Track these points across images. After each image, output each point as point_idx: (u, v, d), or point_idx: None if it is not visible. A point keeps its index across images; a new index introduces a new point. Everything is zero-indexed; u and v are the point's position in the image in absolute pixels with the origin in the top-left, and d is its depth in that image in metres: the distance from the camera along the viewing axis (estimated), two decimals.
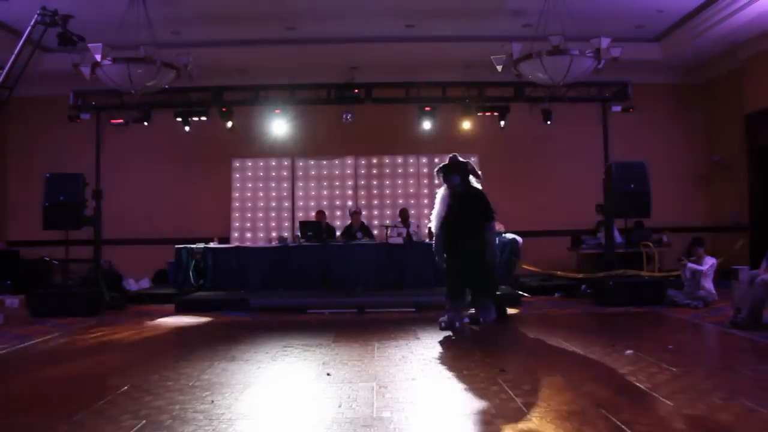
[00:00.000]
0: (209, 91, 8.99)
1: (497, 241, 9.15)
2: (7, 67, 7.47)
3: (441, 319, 6.29)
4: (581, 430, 3.12)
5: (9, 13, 8.64)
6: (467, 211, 6.17)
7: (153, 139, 10.84)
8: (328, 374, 4.37)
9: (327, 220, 10.38)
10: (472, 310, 6.47)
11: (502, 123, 9.42)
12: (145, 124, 9.21)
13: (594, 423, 3.20)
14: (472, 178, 6.33)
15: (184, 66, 7.19)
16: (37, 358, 5.29)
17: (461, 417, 3.38)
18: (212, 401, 3.72)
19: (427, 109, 9.38)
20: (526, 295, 8.72)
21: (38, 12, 7.27)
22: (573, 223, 10.93)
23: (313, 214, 10.65)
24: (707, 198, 11.53)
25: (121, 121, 9.19)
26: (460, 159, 6.35)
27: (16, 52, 7.41)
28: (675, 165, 11.31)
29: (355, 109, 9.98)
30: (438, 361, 4.80)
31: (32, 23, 7.32)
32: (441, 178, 6.38)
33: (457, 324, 6.15)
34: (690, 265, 7.65)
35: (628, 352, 4.92)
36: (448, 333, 5.97)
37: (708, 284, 7.59)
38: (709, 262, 7.69)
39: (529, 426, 3.20)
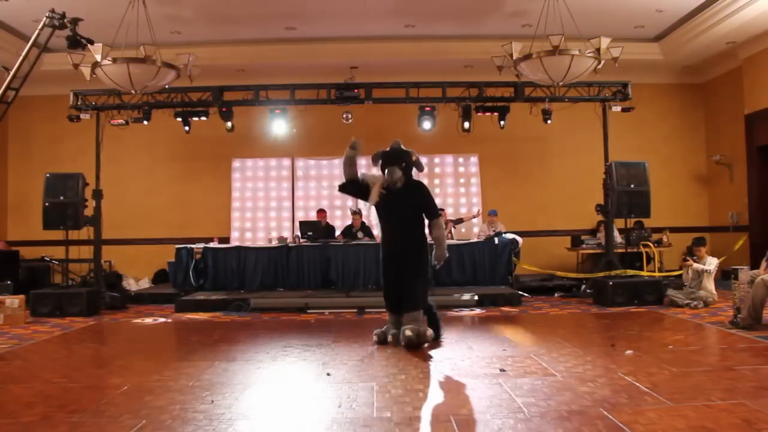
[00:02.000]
0: (209, 91, 8.99)
1: (497, 241, 9.19)
2: (13, 70, 7.45)
3: (376, 330, 5.58)
4: (581, 430, 3.12)
5: (9, 13, 8.63)
6: (405, 207, 5.47)
7: (153, 139, 10.86)
8: (328, 374, 4.37)
9: (327, 220, 10.40)
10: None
11: (502, 123, 9.42)
12: (145, 123, 9.22)
13: (594, 423, 3.20)
14: (414, 171, 5.65)
15: (184, 66, 7.19)
16: (37, 358, 5.29)
17: (461, 417, 3.38)
18: (212, 401, 3.72)
19: (427, 109, 9.38)
20: (526, 295, 8.73)
21: (46, 15, 7.24)
22: (573, 223, 10.95)
23: (314, 214, 10.67)
24: (707, 198, 11.53)
25: (121, 121, 9.20)
26: (403, 147, 5.63)
27: (23, 54, 7.38)
28: (675, 165, 11.32)
29: (355, 109, 10.00)
30: (438, 361, 4.80)
31: (40, 26, 7.29)
32: (378, 167, 5.58)
33: (389, 338, 5.40)
34: (696, 265, 7.63)
35: (628, 352, 4.92)
36: (447, 333, 5.94)
37: (710, 285, 7.58)
38: (713, 263, 7.69)
39: (530, 426, 3.20)
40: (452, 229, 10.09)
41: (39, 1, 8.20)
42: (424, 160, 11.12)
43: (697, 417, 3.26)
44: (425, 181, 11.02)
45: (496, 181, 11.32)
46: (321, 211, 10.42)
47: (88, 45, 7.05)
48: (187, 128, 9.51)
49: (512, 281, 9.11)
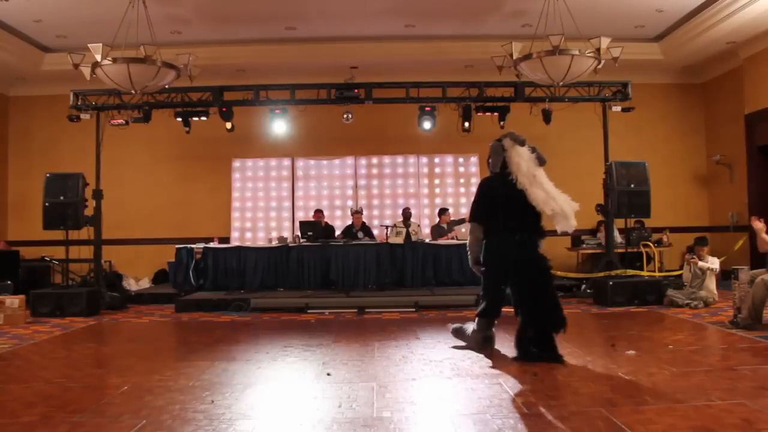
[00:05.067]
0: (209, 91, 8.99)
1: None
2: None
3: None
4: (581, 430, 3.12)
5: (9, 13, 8.64)
6: None
7: (153, 139, 10.86)
8: (328, 374, 4.37)
9: (326, 220, 10.39)
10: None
11: (502, 123, 9.41)
12: (145, 124, 9.21)
13: (594, 423, 3.20)
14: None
15: (184, 66, 7.19)
16: (37, 358, 5.29)
17: (461, 417, 3.38)
18: (212, 401, 3.72)
19: (428, 109, 9.39)
20: None
21: None
22: None
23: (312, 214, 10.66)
24: (707, 198, 11.53)
25: (121, 121, 9.19)
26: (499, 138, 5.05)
27: None
28: (675, 165, 11.32)
29: (355, 109, 10.00)
30: (438, 361, 4.79)
31: None
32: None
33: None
34: (702, 263, 7.63)
35: (630, 352, 4.92)
36: (447, 333, 5.90)
37: (712, 285, 7.58)
38: (715, 262, 7.69)
39: (530, 426, 3.20)
40: (454, 229, 10.09)
41: (39, 1, 8.22)
42: (423, 159, 11.40)
43: (697, 417, 3.26)
44: (431, 180, 11.21)
45: None
46: (317, 212, 10.38)
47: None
48: (187, 128, 9.51)
49: None
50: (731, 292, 6.38)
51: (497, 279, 4.91)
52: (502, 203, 4.86)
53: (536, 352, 4.71)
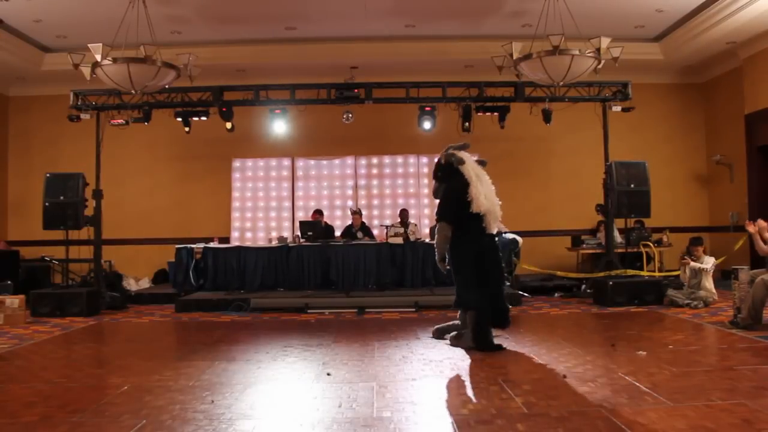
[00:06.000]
0: (209, 91, 8.98)
1: (497, 241, 9.16)
2: None
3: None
4: (581, 430, 3.12)
5: (9, 13, 8.64)
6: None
7: (153, 139, 10.86)
8: (328, 374, 4.38)
9: (326, 220, 10.39)
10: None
11: (502, 123, 9.41)
12: (145, 124, 9.21)
13: (594, 423, 3.20)
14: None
15: (184, 66, 7.19)
16: (37, 358, 5.29)
17: (461, 417, 3.38)
18: (212, 401, 3.73)
19: (428, 109, 9.38)
20: (526, 295, 8.73)
21: None
22: (573, 223, 10.94)
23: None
24: (707, 198, 11.53)
25: (121, 121, 9.19)
26: (447, 152, 5.52)
27: None
28: (675, 165, 11.32)
29: (355, 109, 10.00)
30: (438, 361, 4.80)
31: None
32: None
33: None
34: (693, 263, 7.64)
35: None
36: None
37: (709, 284, 7.59)
38: (711, 262, 7.69)
39: (530, 426, 3.20)
40: None
41: (39, 1, 8.22)
42: (423, 159, 11.38)
43: (697, 417, 3.26)
44: (431, 180, 11.17)
45: (496, 181, 11.07)
46: (316, 213, 10.36)
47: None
48: (187, 128, 9.51)
49: (512, 281, 9.10)
50: (731, 292, 6.39)
51: (472, 272, 5.31)
52: (466, 203, 5.31)
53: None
